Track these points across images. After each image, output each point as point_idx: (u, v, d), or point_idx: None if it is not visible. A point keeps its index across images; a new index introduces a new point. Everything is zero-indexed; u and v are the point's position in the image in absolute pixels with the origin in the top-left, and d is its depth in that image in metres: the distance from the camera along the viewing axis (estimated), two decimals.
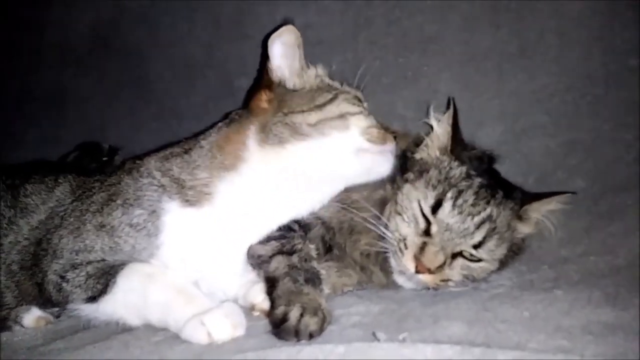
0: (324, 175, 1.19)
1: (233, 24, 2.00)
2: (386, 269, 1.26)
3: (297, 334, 1.00)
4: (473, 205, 1.17)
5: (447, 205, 1.17)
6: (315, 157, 1.15)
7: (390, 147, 1.21)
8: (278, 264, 1.13)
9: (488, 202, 1.18)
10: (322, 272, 1.16)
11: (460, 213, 1.16)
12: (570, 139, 1.55)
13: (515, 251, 1.25)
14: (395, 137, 1.24)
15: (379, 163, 1.20)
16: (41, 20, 2.37)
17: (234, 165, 1.17)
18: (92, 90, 2.29)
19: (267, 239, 1.19)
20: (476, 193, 1.18)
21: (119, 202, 1.17)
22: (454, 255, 1.18)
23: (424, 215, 1.19)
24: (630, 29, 1.49)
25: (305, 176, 1.17)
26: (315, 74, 1.28)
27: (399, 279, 1.23)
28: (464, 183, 1.20)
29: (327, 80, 1.29)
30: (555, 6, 1.56)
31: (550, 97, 1.57)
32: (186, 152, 1.23)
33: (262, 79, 1.26)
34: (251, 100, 1.26)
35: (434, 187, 1.20)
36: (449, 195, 1.18)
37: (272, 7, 1.90)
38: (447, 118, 1.27)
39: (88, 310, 1.14)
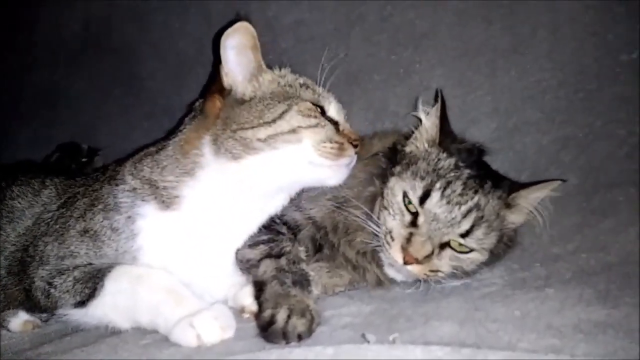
0: (279, 185, 1.18)
1: (225, 21, 1.97)
2: (382, 267, 1.25)
3: (285, 336, 1.00)
4: (461, 195, 1.17)
5: (435, 195, 1.17)
6: (269, 169, 1.13)
7: (344, 161, 1.17)
8: (266, 268, 1.13)
9: (476, 192, 1.18)
10: (311, 273, 1.16)
11: (448, 203, 1.16)
12: (563, 135, 1.53)
13: (506, 243, 1.24)
14: (356, 145, 1.21)
15: (330, 176, 1.17)
16: (32, 18, 2.36)
17: (194, 170, 1.16)
18: (84, 88, 2.28)
19: (256, 243, 1.19)
20: (464, 184, 1.18)
21: (100, 207, 1.17)
22: (442, 246, 1.17)
23: (407, 206, 1.19)
24: (623, 24, 1.47)
25: (261, 186, 1.16)
26: (271, 79, 1.21)
27: (390, 272, 1.23)
28: (452, 174, 1.19)
29: (286, 80, 1.22)
30: (547, 1, 1.54)
31: (543, 93, 1.56)
32: (157, 151, 1.22)
33: (216, 80, 1.20)
34: (206, 100, 1.21)
35: (422, 178, 1.20)
36: (438, 185, 1.17)
37: (263, 4, 1.88)
38: (436, 111, 1.27)
39: (77, 315, 1.14)
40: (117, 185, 1.19)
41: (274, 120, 1.13)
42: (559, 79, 1.54)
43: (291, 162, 1.13)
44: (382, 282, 1.27)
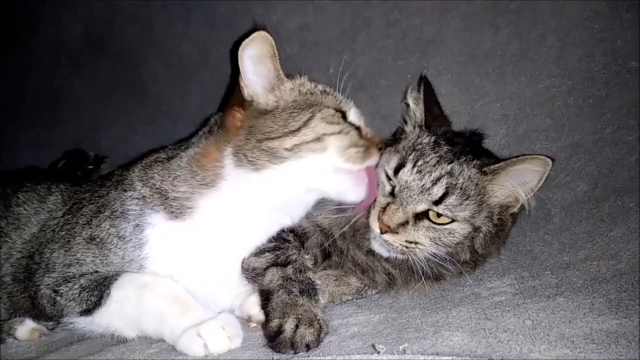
0: (301, 194, 1.17)
1: (228, 24, 1.97)
2: (389, 260, 1.24)
3: (293, 346, 0.99)
4: (434, 165, 1.18)
5: (408, 165, 1.19)
6: (293, 178, 1.12)
7: (371, 161, 1.18)
8: (272, 277, 1.12)
9: (451, 162, 1.18)
10: (318, 282, 1.15)
11: (419, 172, 1.18)
12: (572, 142, 1.53)
13: (497, 224, 1.21)
14: (380, 148, 1.22)
15: (351, 191, 1.16)
16: (34, 20, 2.35)
17: (214, 181, 1.14)
18: (86, 91, 2.27)
19: (262, 251, 1.18)
20: (440, 156, 1.19)
21: (106, 214, 1.16)
22: (419, 216, 1.17)
23: (389, 179, 1.21)
24: (631, 30, 1.47)
25: (282, 196, 1.15)
26: (291, 87, 1.20)
27: (375, 246, 1.23)
28: (428, 148, 1.22)
29: (306, 88, 1.21)
30: (555, 7, 1.53)
31: (552, 100, 1.55)
32: (168, 159, 1.21)
33: (236, 92, 1.19)
34: (226, 113, 1.19)
35: (399, 153, 1.23)
36: (411, 157, 1.20)
37: (267, 7, 1.87)
38: (422, 96, 1.30)
39: (83, 322, 1.13)
40: (125, 191, 1.18)
41: (299, 129, 1.12)
42: (567, 86, 1.54)
43: (316, 170, 1.12)
44: (393, 282, 1.26)
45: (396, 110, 1.67)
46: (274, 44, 1.14)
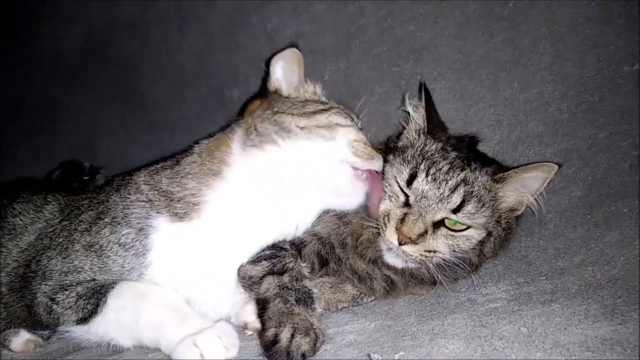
0: (305, 184, 1.17)
1: (224, 35, 1.99)
2: (394, 268, 1.24)
3: (289, 355, 0.99)
4: (447, 172, 1.19)
5: (420, 175, 1.19)
6: (297, 160, 1.15)
7: (375, 164, 1.21)
8: (269, 285, 1.12)
9: (463, 169, 1.19)
10: (315, 290, 1.15)
11: (434, 180, 1.18)
12: (566, 148, 1.53)
13: (505, 228, 1.23)
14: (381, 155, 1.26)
15: (351, 193, 1.19)
16: (33, 32, 2.37)
17: (220, 170, 1.16)
18: (84, 102, 2.28)
19: (258, 259, 1.18)
20: (450, 163, 1.20)
21: (107, 220, 1.15)
22: (437, 225, 1.18)
23: (404, 190, 1.21)
24: (623, 36, 1.48)
25: (286, 183, 1.16)
26: (313, 91, 1.30)
27: (389, 258, 1.22)
28: (437, 155, 1.23)
29: (324, 98, 1.31)
30: (548, 13, 1.54)
31: (546, 106, 1.56)
32: (177, 162, 1.22)
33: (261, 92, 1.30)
34: (248, 104, 1.30)
35: (409, 163, 1.23)
36: (422, 166, 1.20)
37: (263, 17, 1.89)
38: (422, 102, 1.32)
39: (79, 331, 1.12)
40: (129, 194, 1.17)
41: (313, 113, 1.19)
42: (561, 91, 1.54)
43: (322, 157, 1.16)
44: (392, 288, 1.26)
45: (391, 117, 1.69)
46: (301, 56, 1.29)
